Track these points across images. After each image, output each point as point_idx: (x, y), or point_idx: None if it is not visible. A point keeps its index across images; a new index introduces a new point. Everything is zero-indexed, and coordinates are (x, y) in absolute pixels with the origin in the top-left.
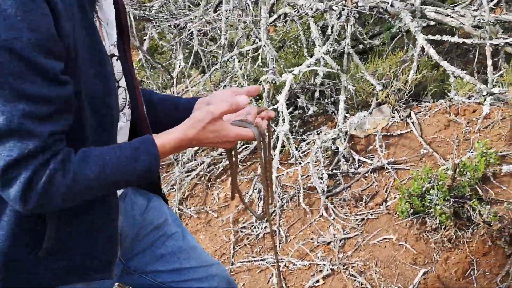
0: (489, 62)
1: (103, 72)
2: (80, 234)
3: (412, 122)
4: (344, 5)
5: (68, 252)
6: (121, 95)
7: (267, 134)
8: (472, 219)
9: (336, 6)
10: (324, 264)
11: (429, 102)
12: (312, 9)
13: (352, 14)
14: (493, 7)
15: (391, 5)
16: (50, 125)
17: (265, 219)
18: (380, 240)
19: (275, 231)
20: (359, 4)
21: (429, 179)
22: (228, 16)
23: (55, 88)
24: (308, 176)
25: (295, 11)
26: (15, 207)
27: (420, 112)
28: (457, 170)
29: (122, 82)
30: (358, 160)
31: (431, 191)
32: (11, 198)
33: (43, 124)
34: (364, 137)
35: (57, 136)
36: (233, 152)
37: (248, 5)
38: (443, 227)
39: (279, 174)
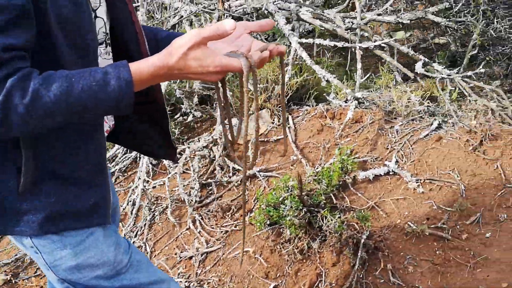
0: (359, 65)
1: None
2: (64, 165)
3: (289, 127)
4: (216, 8)
5: (53, 191)
6: (99, 28)
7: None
8: (323, 228)
9: (209, 9)
10: (181, 281)
11: (310, 106)
12: (186, 11)
13: (225, 16)
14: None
15: (265, 9)
16: (4, 37)
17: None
18: (239, 253)
19: (141, 246)
20: (231, 7)
21: (287, 188)
22: None
23: None
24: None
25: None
26: None
27: (298, 116)
28: (316, 177)
29: (101, 12)
30: (233, 168)
31: (285, 201)
32: None
33: None
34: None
35: (15, 53)
36: (221, 88)
37: None
38: (297, 238)
39: (147, 187)
